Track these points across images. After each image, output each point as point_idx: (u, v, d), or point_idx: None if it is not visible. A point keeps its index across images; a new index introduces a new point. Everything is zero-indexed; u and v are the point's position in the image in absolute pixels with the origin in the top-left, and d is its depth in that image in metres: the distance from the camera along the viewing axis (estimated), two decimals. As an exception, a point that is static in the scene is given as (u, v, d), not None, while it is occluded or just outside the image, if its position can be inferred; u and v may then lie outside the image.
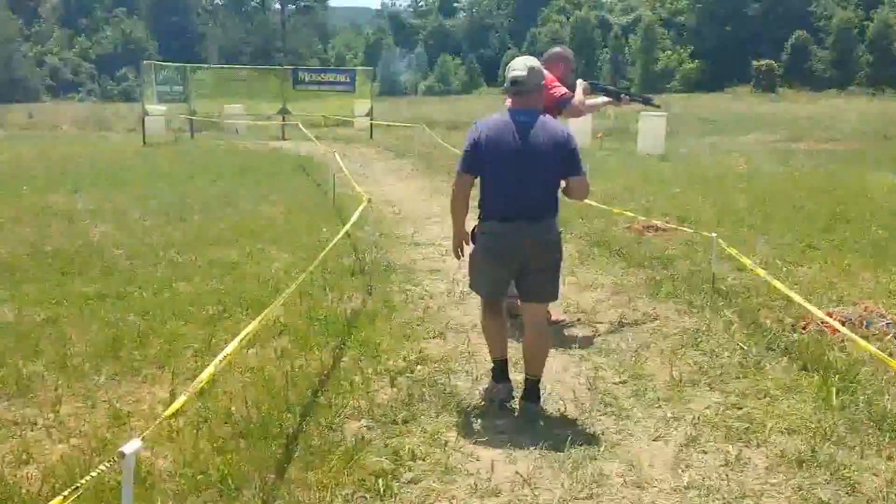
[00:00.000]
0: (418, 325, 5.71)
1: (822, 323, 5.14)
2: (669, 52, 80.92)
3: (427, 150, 18.39)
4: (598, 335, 5.61)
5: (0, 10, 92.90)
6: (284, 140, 21.61)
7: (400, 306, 6.15)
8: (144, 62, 22.57)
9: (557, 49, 5.97)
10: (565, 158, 4.17)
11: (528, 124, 4.11)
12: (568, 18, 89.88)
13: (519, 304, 4.53)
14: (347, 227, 6.98)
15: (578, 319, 6.01)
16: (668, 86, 76.60)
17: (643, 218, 9.29)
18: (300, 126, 18.24)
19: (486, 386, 4.46)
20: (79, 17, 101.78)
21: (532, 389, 4.25)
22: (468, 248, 4.43)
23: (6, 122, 29.27)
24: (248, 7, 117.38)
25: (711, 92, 61.26)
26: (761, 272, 5.77)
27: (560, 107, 5.44)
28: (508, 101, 4.59)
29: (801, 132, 27.43)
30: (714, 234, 6.58)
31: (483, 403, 4.33)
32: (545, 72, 4.72)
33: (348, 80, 22.47)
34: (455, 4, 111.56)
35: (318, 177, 14.43)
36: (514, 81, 4.21)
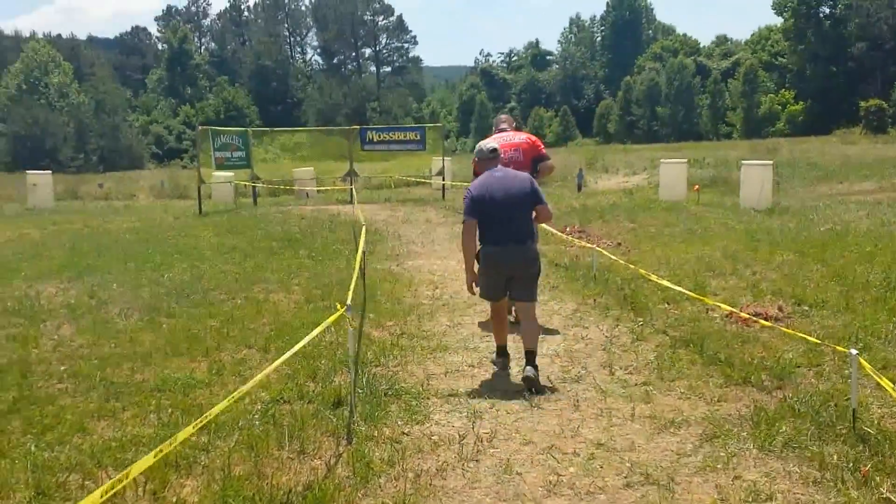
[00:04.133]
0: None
1: None
2: (772, 96, 77.06)
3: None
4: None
5: (109, 82, 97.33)
6: (352, 203, 20.09)
7: (383, 470, 4.17)
8: (200, 128, 21.54)
9: (503, 116, 7.98)
10: (531, 196, 5.81)
11: (503, 178, 5.85)
12: (664, 65, 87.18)
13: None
14: (355, 326, 5.08)
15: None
16: (773, 129, 72.75)
17: (746, 300, 7.09)
18: (352, 192, 16.64)
19: (493, 359, 6.17)
20: (183, 87, 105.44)
21: (531, 358, 5.63)
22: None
23: (83, 194, 28.98)
24: (344, 70, 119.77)
25: (818, 135, 57.36)
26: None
27: (543, 161, 7.31)
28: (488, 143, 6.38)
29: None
30: (854, 352, 4.37)
31: None
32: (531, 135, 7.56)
33: (418, 137, 20.89)
34: (548, 57, 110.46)
35: (367, 247, 12.70)
36: (493, 150, 6.11)
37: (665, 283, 7.20)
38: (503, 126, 7.55)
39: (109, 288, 9.13)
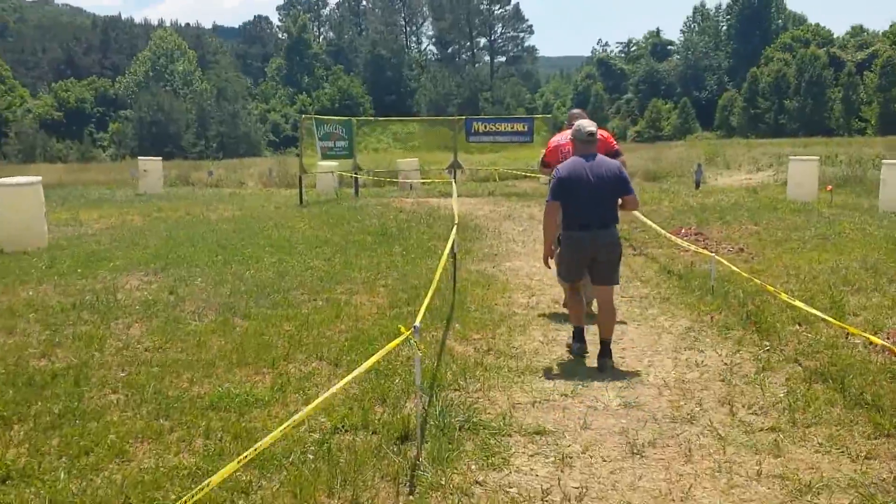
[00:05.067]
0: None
1: None
2: (913, 89, 71.84)
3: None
4: None
5: (231, 70, 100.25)
6: (456, 197, 19.44)
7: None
8: (303, 116, 21.27)
9: (577, 110, 7.79)
10: (620, 183, 5.90)
11: (595, 163, 5.92)
12: (794, 56, 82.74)
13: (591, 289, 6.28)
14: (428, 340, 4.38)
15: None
16: (913, 125, 67.91)
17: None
18: (453, 185, 15.89)
19: (568, 342, 6.27)
20: (300, 76, 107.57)
21: (605, 348, 5.87)
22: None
23: (195, 180, 29.41)
24: (458, 59, 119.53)
25: (966, 131, 52.96)
26: None
27: (615, 156, 6.86)
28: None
29: None
30: None
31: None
32: (603, 131, 7.13)
33: (526, 129, 19.98)
34: (669, 47, 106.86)
35: (464, 245, 12.00)
36: (591, 134, 6.04)
37: (798, 303, 6.17)
38: (582, 121, 7.07)
39: (192, 283, 8.75)
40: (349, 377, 3.83)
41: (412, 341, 4.14)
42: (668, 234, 10.63)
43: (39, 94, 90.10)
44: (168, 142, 79.15)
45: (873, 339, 5.32)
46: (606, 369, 5.69)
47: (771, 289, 6.87)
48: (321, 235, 12.71)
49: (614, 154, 7.06)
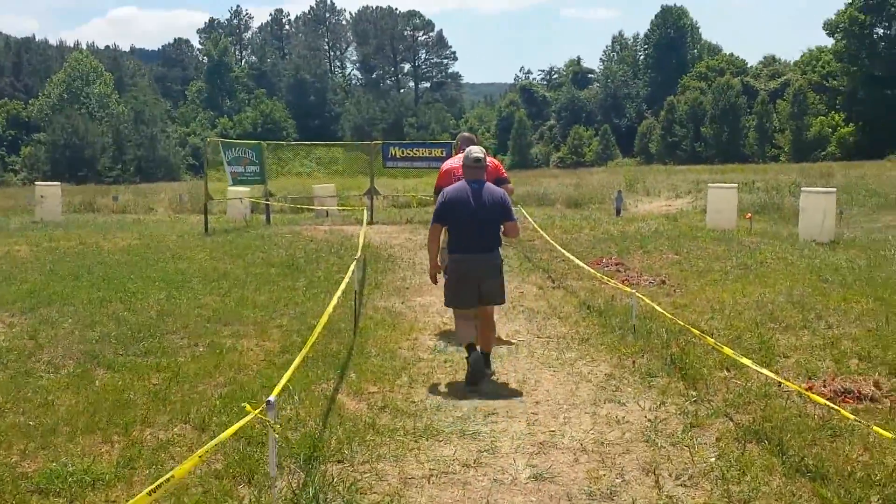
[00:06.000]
0: None
1: None
2: (823, 118, 74.30)
3: (527, 237, 14.88)
4: None
5: (149, 93, 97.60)
6: (373, 224, 18.64)
7: None
8: (209, 139, 20.23)
9: (467, 134, 8.11)
10: (503, 211, 6.06)
11: (479, 190, 6.03)
12: (709, 85, 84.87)
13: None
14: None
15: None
16: (823, 152, 70.12)
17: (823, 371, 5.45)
18: (364, 212, 15.03)
19: (466, 355, 6.15)
20: (222, 99, 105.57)
21: (486, 360, 6.19)
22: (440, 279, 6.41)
23: (100, 206, 27.82)
24: (383, 85, 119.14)
25: (872, 159, 54.69)
26: None
27: (502, 184, 6.99)
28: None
29: None
30: None
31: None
32: (493, 159, 7.41)
33: (444, 154, 19.20)
34: (589, 75, 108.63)
35: (374, 277, 11.22)
36: (477, 160, 6.13)
37: (726, 350, 5.57)
38: (472, 146, 6.97)
39: (59, 325, 7.74)
40: (199, 452, 3.01)
41: (269, 421, 3.33)
42: (588, 268, 10.05)
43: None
44: (83, 166, 76.31)
45: (815, 397, 4.72)
46: (485, 378, 6.02)
47: (696, 332, 6.28)
48: (220, 268, 11.75)
49: (502, 181, 7.18)
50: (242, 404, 3.55)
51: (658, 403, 5.53)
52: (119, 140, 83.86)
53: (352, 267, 7.51)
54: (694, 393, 5.71)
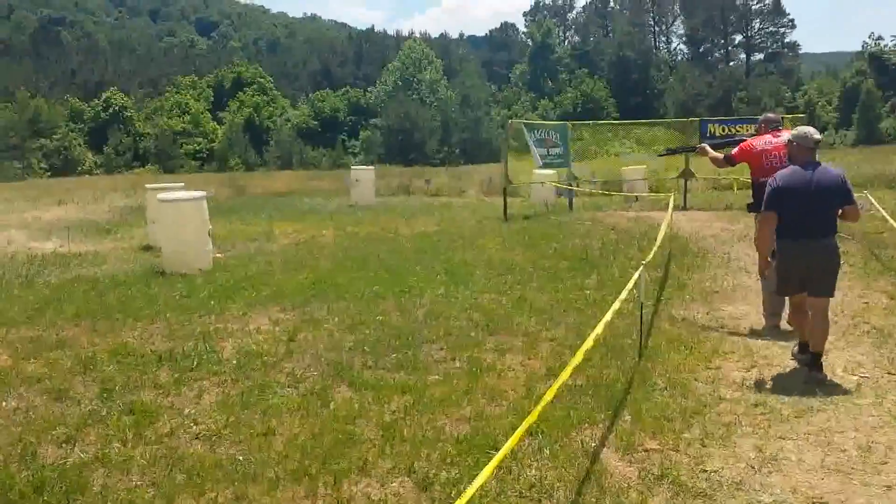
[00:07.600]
0: None
1: None
2: None
3: (874, 228, 12.27)
4: None
5: (475, 77, 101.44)
6: (686, 210, 16.79)
7: None
8: (511, 121, 19.38)
9: (772, 115, 7.51)
10: (844, 193, 5.62)
11: (816, 172, 5.62)
12: None
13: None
14: None
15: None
16: None
17: None
18: (671, 197, 13.16)
19: (795, 351, 6.00)
20: (544, 81, 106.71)
21: (815, 362, 5.60)
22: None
23: (414, 189, 28.54)
24: (711, 58, 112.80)
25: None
26: None
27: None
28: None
29: None
30: None
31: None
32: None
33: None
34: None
35: (677, 276, 9.63)
36: (818, 142, 5.72)
37: None
38: (807, 127, 6.27)
39: (321, 325, 7.25)
40: None
41: None
42: None
43: (298, 104, 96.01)
44: (413, 149, 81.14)
45: None
46: (815, 383, 5.49)
47: None
48: (507, 259, 10.88)
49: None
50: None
51: None
52: (446, 124, 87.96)
53: (638, 272, 6.08)
54: None
